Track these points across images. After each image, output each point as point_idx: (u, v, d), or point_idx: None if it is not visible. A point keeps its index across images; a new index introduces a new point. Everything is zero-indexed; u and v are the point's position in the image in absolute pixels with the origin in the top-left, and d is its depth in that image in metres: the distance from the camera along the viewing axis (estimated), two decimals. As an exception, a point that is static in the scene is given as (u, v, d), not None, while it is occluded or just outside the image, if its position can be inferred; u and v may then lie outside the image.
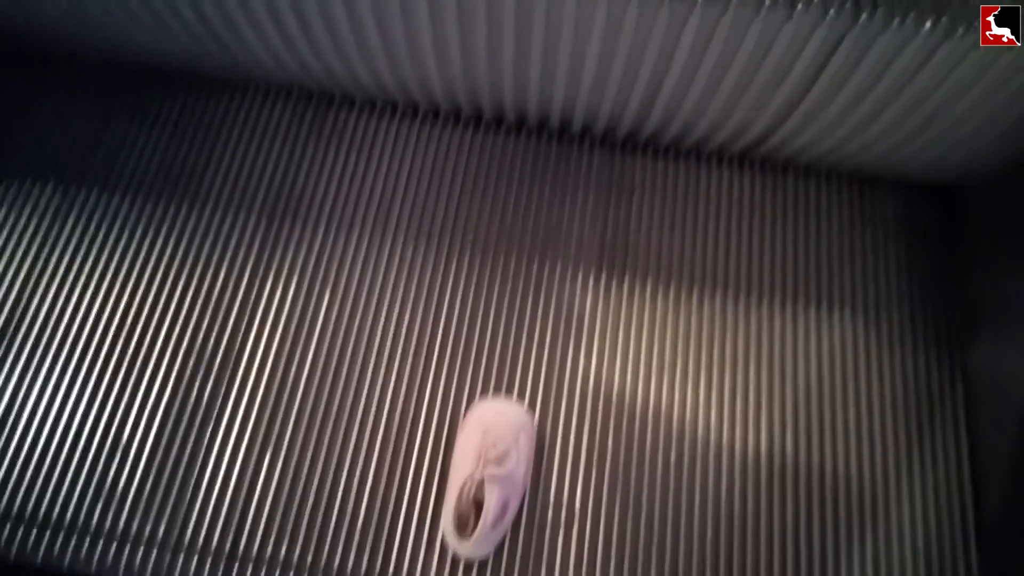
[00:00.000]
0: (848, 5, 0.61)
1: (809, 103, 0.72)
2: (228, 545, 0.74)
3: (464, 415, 0.78)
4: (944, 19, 0.61)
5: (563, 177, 0.91)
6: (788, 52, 0.65)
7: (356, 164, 0.91)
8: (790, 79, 0.69)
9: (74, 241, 0.86)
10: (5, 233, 0.87)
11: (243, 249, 0.86)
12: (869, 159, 0.83)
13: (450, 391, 0.80)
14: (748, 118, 0.78)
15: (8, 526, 0.74)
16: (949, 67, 0.64)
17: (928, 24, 0.61)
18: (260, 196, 0.89)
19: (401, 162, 0.91)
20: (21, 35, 0.90)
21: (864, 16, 0.61)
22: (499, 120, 0.93)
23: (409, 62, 0.78)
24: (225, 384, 0.80)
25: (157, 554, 0.74)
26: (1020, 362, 0.74)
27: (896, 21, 0.61)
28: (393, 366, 0.81)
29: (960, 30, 0.61)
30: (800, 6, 0.61)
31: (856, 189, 0.90)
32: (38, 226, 0.87)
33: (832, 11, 0.61)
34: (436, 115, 0.94)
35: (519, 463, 0.72)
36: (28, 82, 0.95)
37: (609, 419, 0.79)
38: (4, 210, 0.88)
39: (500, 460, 0.70)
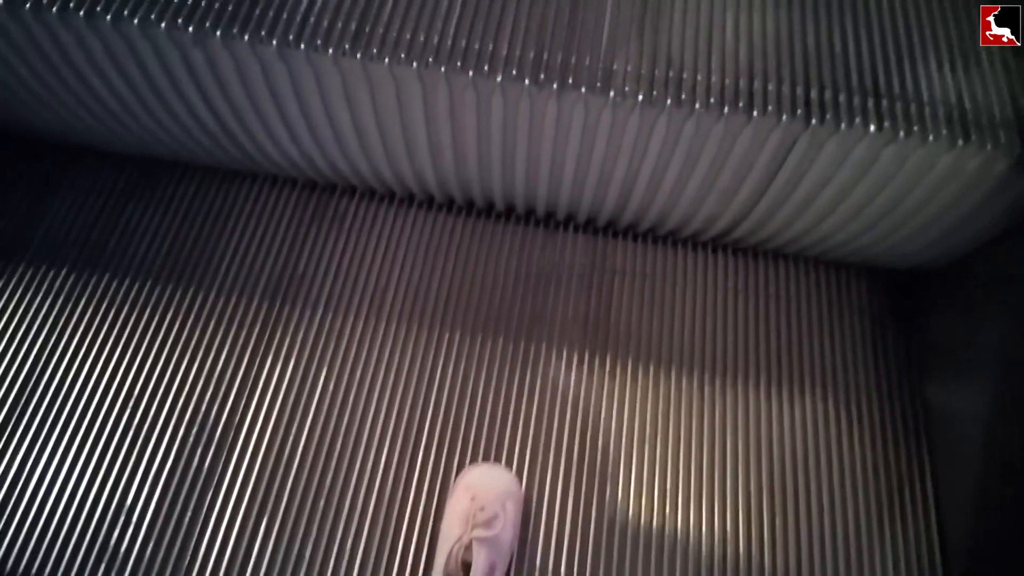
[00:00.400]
0: (800, 112, 0.68)
1: (769, 199, 0.79)
2: (224, 615, 0.76)
3: (454, 482, 0.82)
4: (887, 124, 0.68)
5: (549, 261, 0.97)
6: (748, 153, 0.72)
7: (355, 248, 0.97)
8: (751, 178, 0.75)
9: (84, 322, 0.91)
10: (20, 313, 0.91)
11: (245, 329, 0.91)
12: (829, 248, 0.89)
13: (440, 461, 0.84)
14: (716, 211, 0.84)
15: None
16: (894, 169, 0.71)
17: (872, 128, 0.67)
18: (264, 279, 0.94)
19: (397, 246, 0.97)
20: (45, 131, 0.98)
21: (814, 121, 0.68)
22: (489, 208, 1.00)
23: (406, 161, 0.85)
24: (224, 455, 0.84)
25: (155, 622, 0.76)
26: (980, 436, 0.78)
27: (843, 126, 0.68)
28: (386, 438, 0.85)
29: (902, 134, 0.67)
30: (757, 112, 0.68)
31: (822, 273, 0.96)
32: (51, 307, 0.92)
33: (785, 116, 0.68)
34: (430, 203, 1.00)
35: (506, 528, 0.75)
36: (52, 170, 1.02)
37: (593, 488, 0.83)
38: (20, 292, 0.93)
39: (487, 523, 0.73)
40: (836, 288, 0.96)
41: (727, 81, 0.70)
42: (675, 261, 0.97)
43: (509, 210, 0.99)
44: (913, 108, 0.69)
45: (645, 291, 0.95)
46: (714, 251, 0.98)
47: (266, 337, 0.91)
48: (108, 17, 0.69)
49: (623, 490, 0.83)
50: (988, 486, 0.76)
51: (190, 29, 0.69)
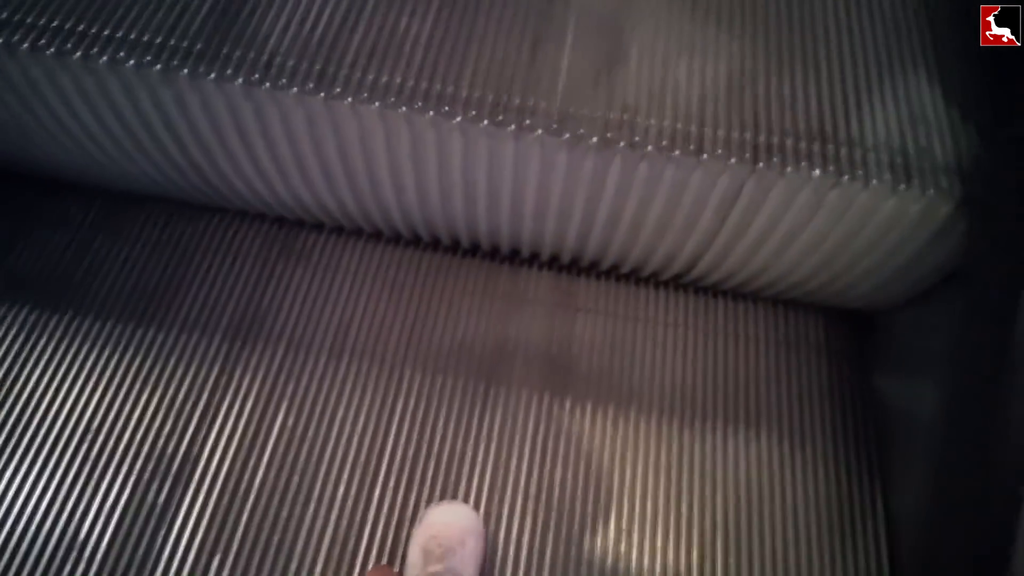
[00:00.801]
0: (747, 155, 0.71)
1: (722, 239, 0.81)
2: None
3: (415, 519, 0.81)
4: (831, 168, 0.70)
5: (513, 297, 0.98)
6: (700, 195, 0.74)
7: (320, 284, 0.98)
8: (703, 218, 0.77)
9: (44, 359, 0.91)
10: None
11: (206, 365, 0.91)
12: (783, 288, 0.91)
13: (397, 497, 0.84)
14: (672, 251, 0.86)
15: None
16: (839, 212, 0.72)
17: (817, 172, 0.70)
18: (227, 315, 0.95)
19: (363, 282, 0.98)
20: (14, 163, 0.99)
21: (761, 164, 0.70)
22: (455, 245, 1.01)
23: (371, 197, 0.86)
24: (181, 488, 0.83)
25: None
26: (933, 473, 0.79)
27: (789, 169, 0.70)
28: (343, 474, 0.85)
29: (845, 178, 0.69)
30: (706, 155, 0.70)
31: (779, 313, 0.98)
32: (12, 342, 0.92)
33: (733, 159, 0.70)
34: (397, 240, 1.02)
35: (466, 565, 0.75)
36: (22, 202, 1.03)
37: (550, 525, 0.83)
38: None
39: (448, 560, 0.73)
40: (794, 326, 0.97)
41: (679, 125, 0.72)
42: (636, 299, 0.98)
43: (474, 247, 1.01)
44: (857, 153, 0.72)
45: (607, 328, 0.96)
46: (674, 289, 0.99)
47: (227, 372, 0.91)
48: (77, 55, 0.71)
49: (579, 527, 0.83)
50: (941, 522, 0.77)
51: (157, 67, 0.71)
